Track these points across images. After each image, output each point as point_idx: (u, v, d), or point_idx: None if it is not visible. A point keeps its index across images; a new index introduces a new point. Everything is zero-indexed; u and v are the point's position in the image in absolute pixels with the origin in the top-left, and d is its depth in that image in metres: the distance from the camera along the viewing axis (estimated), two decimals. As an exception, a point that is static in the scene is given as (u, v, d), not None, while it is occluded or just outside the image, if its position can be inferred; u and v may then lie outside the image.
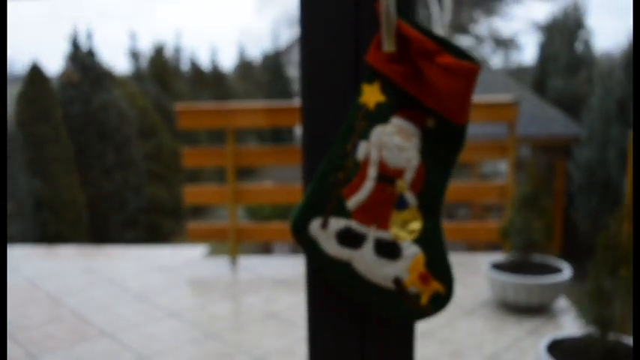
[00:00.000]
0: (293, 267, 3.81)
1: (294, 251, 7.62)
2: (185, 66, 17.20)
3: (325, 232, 0.80)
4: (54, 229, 9.20)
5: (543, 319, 2.82)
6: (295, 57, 20.40)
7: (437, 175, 0.79)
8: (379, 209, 0.79)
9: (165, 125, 12.92)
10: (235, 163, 3.70)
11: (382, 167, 0.78)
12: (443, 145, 0.78)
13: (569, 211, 8.37)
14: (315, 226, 0.81)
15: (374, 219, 0.79)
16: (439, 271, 0.80)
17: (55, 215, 9.17)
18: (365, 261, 0.80)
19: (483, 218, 8.76)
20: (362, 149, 0.78)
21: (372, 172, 0.78)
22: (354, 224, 0.79)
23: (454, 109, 0.75)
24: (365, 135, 0.78)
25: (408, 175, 0.78)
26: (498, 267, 3.04)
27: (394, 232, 0.80)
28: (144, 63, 14.63)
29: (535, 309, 2.90)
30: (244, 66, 21.25)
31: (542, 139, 8.59)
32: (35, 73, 8.86)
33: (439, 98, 0.75)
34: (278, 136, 16.86)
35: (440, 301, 0.81)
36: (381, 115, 0.77)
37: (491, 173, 11.01)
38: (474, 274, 3.41)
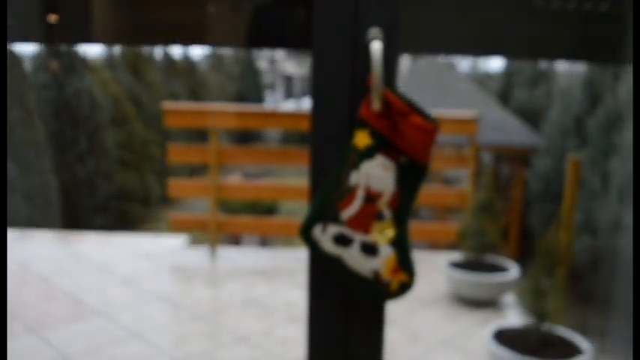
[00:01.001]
0: (268, 258, 4.12)
1: (262, 244, 7.91)
2: (158, 55, 17.28)
3: (324, 235, 1.12)
4: (25, 213, 9.33)
5: (492, 311, 3.18)
6: (267, 51, 20.55)
7: (406, 197, 1.12)
8: (364, 220, 1.11)
9: (137, 114, 13.05)
10: (217, 161, 3.99)
11: (367, 191, 1.10)
12: (411, 176, 1.11)
13: (526, 216, 8.84)
14: (317, 230, 1.13)
15: (360, 227, 1.11)
16: (405, 266, 1.13)
17: (27, 200, 9.29)
18: (352, 257, 1.12)
19: (444, 220, 9.16)
20: (353, 177, 1.10)
21: (360, 194, 1.10)
22: (345, 230, 1.11)
23: (419, 153, 1.07)
24: (356, 167, 1.10)
25: (386, 197, 1.10)
26: (455, 265, 3.40)
27: (374, 237, 1.12)
28: (117, 50, 14.72)
29: (485, 303, 3.26)
30: (216, 57, 21.40)
31: (504, 147, 9.03)
32: (8, 55, 8.93)
33: (409, 144, 1.07)
34: (247, 135, 17.12)
35: (405, 288, 1.13)
36: (368, 153, 1.10)
37: (454, 178, 11.46)
38: (434, 271, 3.76)
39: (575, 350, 2.38)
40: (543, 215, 8.21)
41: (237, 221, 4.60)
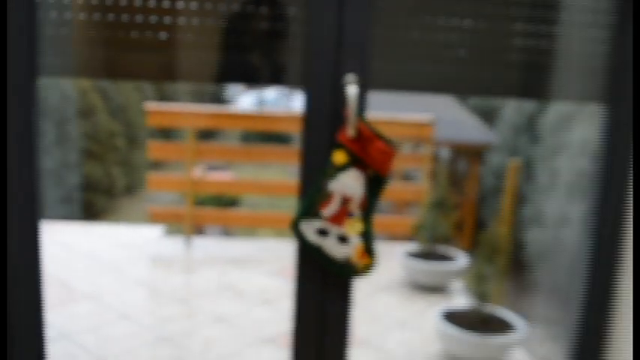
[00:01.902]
0: (238, 247, 4.45)
1: (225, 234, 8.21)
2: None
3: (310, 227, 1.48)
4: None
5: (442, 295, 3.58)
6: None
7: (371, 200, 1.48)
8: (339, 217, 1.47)
9: (103, 105, 13.14)
10: (194, 158, 4.30)
11: (343, 195, 1.46)
12: (375, 185, 1.47)
13: (480, 209, 9.33)
14: (304, 224, 1.48)
15: (336, 222, 1.47)
16: (370, 252, 1.49)
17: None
18: (330, 245, 1.48)
19: (402, 214, 9.59)
20: (332, 185, 1.45)
21: (337, 198, 1.46)
22: (325, 225, 1.47)
23: (382, 168, 1.44)
24: (334, 177, 1.45)
25: (356, 200, 1.46)
26: (411, 255, 3.78)
27: (347, 230, 1.48)
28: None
29: (437, 288, 3.66)
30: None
31: (460, 143, 9.50)
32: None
33: (374, 162, 1.43)
34: (208, 133, 17.32)
35: (369, 269, 1.50)
36: (343, 168, 1.45)
37: (412, 175, 11.92)
38: (392, 260, 4.13)
39: (511, 328, 2.78)
40: (495, 208, 8.71)
41: (209, 213, 4.90)
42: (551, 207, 8.00)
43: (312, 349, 1.64)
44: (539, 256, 7.78)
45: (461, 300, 3.49)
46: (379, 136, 1.41)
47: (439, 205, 3.79)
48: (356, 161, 1.45)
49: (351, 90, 1.42)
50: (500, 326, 2.78)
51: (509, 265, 3.15)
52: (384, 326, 3.15)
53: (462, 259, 3.75)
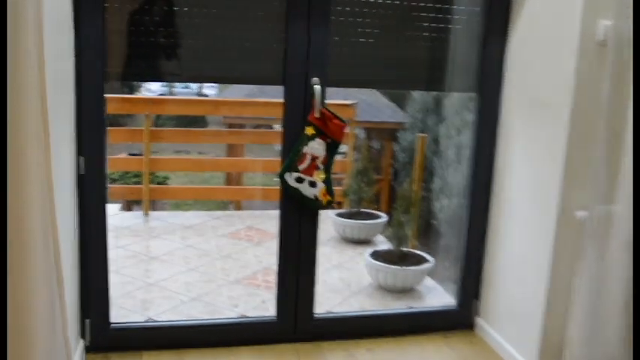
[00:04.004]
0: (188, 218, 5.14)
1: (153, 208, 8.80)
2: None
3: (291, 177, 2.29)
4: None
5: (368, 246, 4.43)
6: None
7: (330, 158, 2.31)
8: (310, 170, 2.29)
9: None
10: (150, 141, 4.95)
11: (312, 155, 2.28)
12: (332, 148, 2.29)
13: (394, 181, 10.35)
14: (287, 175, 2.29)
15: (308, 173, 2.29)
16: (330, 192, 2.32)
17: None
18: (304, 188, 2.30)
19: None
20: (305, 149, 2.26)
21: (308, 157, 2.27)
22: (301, 175, 2.28)
23: (337, 137, 2.26)
24: (306, 144, 2.26)
25: (320, 158, 2.29)
26: (340, 215, 4.62)
27: (315, 178, 2.30)
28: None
29: (364, 241, 4.51)
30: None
31: (376, 124, 10.45)
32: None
33: (332, 133, 2.26)
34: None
35: (330, 203, 2.34)
36: (313, 137, 2.26)
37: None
38: (324, 221, 4.94)
39: (424, 261, 3.66)
40: (408, 180, 9.73)
41: (161, 189, 5.56)
42: (456, 178, 9.09)
43: (293, 257, 2.45)
44: (447, 222, 8.83)
45: (383, 247, 4.35)
46: (335, 116, 2.23)
47: (362, 174, 4.65)
48: (320, 133, 2.26)
49: (316, 86, 2.23)
50: (414, 260, 3.65)
51: (419, 219, 4.04)
52: (324, 268, 3.95)
53: (382, 218, 4.63)
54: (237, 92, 9.33)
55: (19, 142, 1.58)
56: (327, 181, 2.31)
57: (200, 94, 13.42)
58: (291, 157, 2.29)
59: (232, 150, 6.49)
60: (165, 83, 12.51)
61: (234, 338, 2.62)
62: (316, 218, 2.44)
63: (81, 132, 2.20)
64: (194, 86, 13.49)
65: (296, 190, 2.30)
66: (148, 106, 5.16)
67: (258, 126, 7.36)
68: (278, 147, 8.02)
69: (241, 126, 6.58)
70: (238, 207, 5.98)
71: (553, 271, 2.34)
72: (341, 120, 2.26)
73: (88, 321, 2.42)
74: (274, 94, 6.66)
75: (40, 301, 1.71)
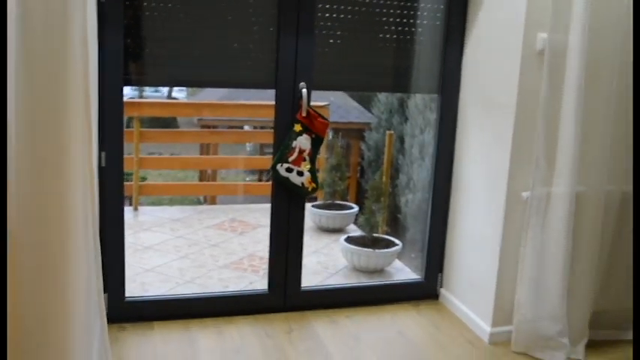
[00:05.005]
0: (178, 212, 5.49)
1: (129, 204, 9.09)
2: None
3: (282, 168, 2.70)
4: None
5: (341, 234, 4.84)
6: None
7: (315, 151, 2.73)
8: (298, 161, 2.71)
9: None
10: (139, 141, 5.29)
11: (299, 149, 2.69)
12: (317, 142, 2.71)
13: (362, 177, 10.79)
14: (279, 166, 2.70)
15: (296, 164, 2.71)
16: (314, 180, 2.74)
17: None
18: (293, 177, 2.72)
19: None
20: (293, 143, 2.67)
21: (297, 150, 2.69)
22: (290, 165, 2.70)
23: (321, 133, 2.68)
24: (295, 139, 2.68)
25: (307, 151, 2.71)
26: (316, 206, 5.02)
27: (302, 168, 2.72)
28: None
29: (337, 230, 4.93)
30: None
31: (344, 124, 10.89)
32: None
33: (317, 129, 2.68)
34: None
35: (314, 190, 2.76)
36: (299, 133, 2.68)
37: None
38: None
39: (393, 244, 4.09)
40: (377, 173, 10.17)
41: (153, 185, 5.89)
42: (420, 175, 9.58)
43: (283, 238, 2.85)
44: (412, 216, 9.31)
45: (356, 234, 4.77)
46: (320, 115, 2.64)
47: (335, 169, 5.06)
48: (307, 130, 2.66)
49: (303, 90, 2.63)
50: (384, 244, 4.07)
51: (388, 210, 4.46)
52: (304, 254, 4.35)
53: (354, 209, 5.05)
54: (210, 95, 9.67)
55: (67, 137, 1.96)
56: (312, 171, 2.73)
57: (170, 98, 13.75)
58: (282, 150, 2.69)
59: (206, 150, 6.86)
60: (135, 87, 12.76)
61: (232, 309, 3.00)
62: (303, 204, 2.86)
63: (103, 130, 2.55)
64: (164, 90, 13.84)
65: (286, 178, 2.71)
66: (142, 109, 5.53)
67: (230, 127, 7.74)
68: (250, 146, 8.44)
69: (215, 127, 6.97)
70: (212, 202, 6.35)
71: (503, 244, 2.79)
72: (325, 119, 2.67)
73: (105, 295, 2.77)
74: (247, 97, 7.08)
75: (82, 271, 2.08)
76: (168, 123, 11.29)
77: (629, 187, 2.79)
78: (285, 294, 3.05)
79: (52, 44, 1.90)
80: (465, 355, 2.76)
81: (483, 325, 2.91)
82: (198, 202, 6.63)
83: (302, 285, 3.10)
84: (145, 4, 2.53)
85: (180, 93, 15.43)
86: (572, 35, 2.55)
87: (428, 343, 2.86)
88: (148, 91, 13.27)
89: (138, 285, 3.65)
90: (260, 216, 5.28)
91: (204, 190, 5.99)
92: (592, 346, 2.85)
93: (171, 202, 6.50)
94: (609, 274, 2.87)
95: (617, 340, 2.94)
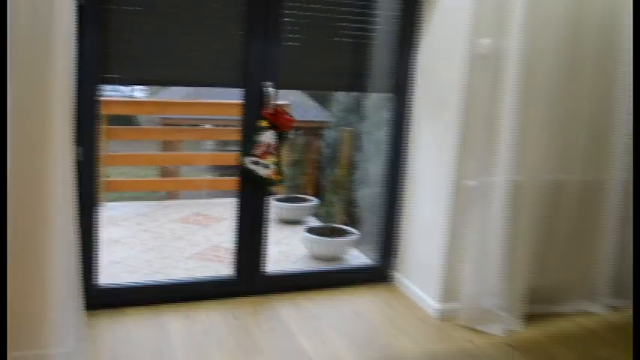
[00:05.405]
0: (143, 207, 5.64)
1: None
2: None
3: (249, 160, 2.94)
4: None
5: (302, 226, 5.08)
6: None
7: (279, 145, 2.98)
8: (264, 154, 2.95)
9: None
10: (107, 138, 5.42)
11: (266, 143, 2.93)
12: (282, 137, 2.95)
13: (320, 173, 11.06)
14: (246, 159, 2.94)
15: (262, 157, 2.95)
16: (279, 172, 2.98)
17: None
18: (259, 169, 2.97)
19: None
20: (260, 138, 2.91)
21: (263, 144, 2.93)
22: (257, 159, 2.93)
23: (286, 128, 2.94)
24: (261, 134, 2.91)
25: (272, 146, 2.96)
26: (278, 200, 5.26)
27: (267, 161, 2.97)
28: None
29: (298, 221, 5.17)
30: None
31: (303, 123, 11.15)
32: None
33: (282, 125, 2.94)
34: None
35: (280, 181, 3.01)
36: (267, 129, 2.92)
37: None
38: (263, 208, 5.57)
39: (351, 233, 4.35)
40: (336, 166, 10.45)
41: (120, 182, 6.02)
42: (375, 170, 9.92)
43: (248, 225, 3.08)
44: (368, 210, 9.61)
45: (315, 224, 5.02)
46: (284, 112, 2.87)
47: (297, 164, 5.31)
48: (273, 125, 2.90)
49: (270, 89, 2.87)
50: (342, 233, 4.34)
51: (345, 202, 4.74)
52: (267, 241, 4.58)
53: (313, 201, 5.31)
54: (172, 95, 9.79)
55: (49, 133, 2.16)
56: (278, 164, 2.96)
57: (130, 97, 13.79)
58: (249, 144, 2.92)
59: (167, 147, 7.01)
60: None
61: (200, 294, 3.21)
62: (267, 195, 3.12)
63: (80, 126, 2.73)
64: (125, 89, 13.90)
65: (252, 171, 2.94)
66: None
67: (191, 125, 7.92)
68: (210, 144, 8.61)
69: (179, 125, 7.14)
70: (175, 197, 6.51)
71: (449, 227, 3.08)
72: (290, 115, 2.92)
73: (80, 282, 2.95)
74: (210, 96, 7.27)
75: (62, 254, 2.30)
76: (129, 122, 11.36)
77: (562, 176, 3.12)
78: (250, 279, 3.28)
79: (37, 47, 2.11)
80: (416, 330, 3.05)
81: (432, 303, 3.20)
82: (159, 198, 6.78)
83: (266, 271, 3.34)
84: (123, 7, 2.73)
85: (140, 93, 15.49)
86: (511, 40, 2.86)
87: (382, 321, 3.14)
88: (109, 90, 13.29)
89: (106, 276, 3.80)
90: (223, 209, 5.48)
91: (172, 186, 6.15)
92: (528, 318, 3.19)
93: (133, 199, 6.64)
94: (544, 254, 3.20)
95: (551, 312, 3.30)
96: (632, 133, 3.17)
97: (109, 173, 7.03)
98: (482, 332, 3.04)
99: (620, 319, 3.32)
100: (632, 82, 3.10)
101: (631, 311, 3.41)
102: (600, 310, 3.37)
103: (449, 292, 3.16)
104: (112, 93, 13.62)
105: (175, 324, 2.96)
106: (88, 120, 2.77)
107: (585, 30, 3.03)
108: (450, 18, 3.08)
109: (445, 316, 3.17)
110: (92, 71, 2.70)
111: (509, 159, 2.92)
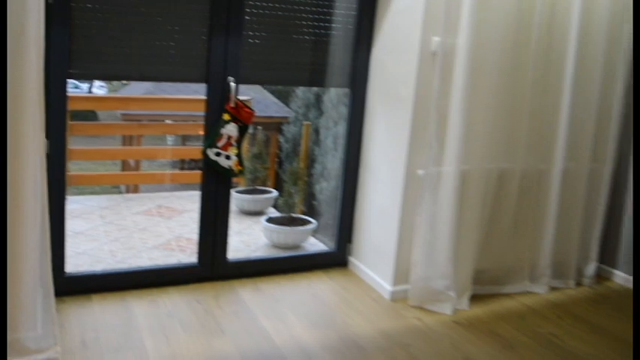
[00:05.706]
0: (106, 200, 5.71)
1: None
2: None
3: (211, 152, 3.08)
4: None
5: (262, 215, 5.23)
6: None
7: (241, 137, 3.14)
8: (226, 146, 3.11)
9: None
10: (70, 133, 5.46)
11: (228, 135, 3.08)
12: (243, 130, 3.11)
13: (280, 167, 11.21)
14: (209, 150, 3.09)
15: (225, 149, 3.11)
16: (241, 164, 3.14)
17: None
18: (221, 161, 3.12)
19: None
20: (222, 130, 3.06)
21: (225, 137, 3.08)
22: (219, 150, 3.08)
23: (247, 121, 3.09)
24: (223, 127, 3.07)
25: (234, 138, 3.12)
26: (239, 192, 5.39)
27: (230, 152, 3.12)
28: None
29: (258, 213, 5.31)
30: None
31: (264, 118, 11.27)
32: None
33: (243, 118, 3.09)
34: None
35: (241, 172, 3.19)
36: (228, 122, 3.07)
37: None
38: (224, 200, 5.70)
39: (309, 223, 4.52)
40: (290, 166, 10.61)
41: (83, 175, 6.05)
42: (333, 164, 10.11)
43: (211, 215, 3.22)
44: (326, 202, 9.80)
45: (275, 215, 5.18)
46: (246, 105, 3.03)
47: (257, 157, 5.45)
48: (235, 118, 3.05)
49: (232, 84, 3.01)
50: (301, 223, 4.50)
51: (304, 193, 4.91)
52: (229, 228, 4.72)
53: (273, 193, 5.46)
54: (135, 91, 9.80)
55: (21, 126, 2.28)
56: (239, 155, 3.11)
57: (89, 93, 13.73)
58: (211, 136, 3.06)
59: (128, 142, 7.09)
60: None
61: (164, 280, 3.34)
62: (229, 185, 3.26)
63: (48, 121, 2.83)
64: (84, 86, 13.85)
65: (215, 162, 3.08)
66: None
67: (152, 120, 7.99)
68: (171, 139, 8.70)
69: (139, 120, 7.22)
70: (135, 191, 6.60)
71: (402, 215, 3.28)
72: (250, 109, 3.07)
73: (49, 268, 3.04)
74: (171, 92, 7.34)
75: (32, 241, 2.42)
76: (88, 117, 11.33)
77: (505, 165, 3.35)
78: (213, 265, 3.42)
79: (10, 44, 2.21)
80: (370, 310, 3.24)
81: (385, 285, 3.40)
82: (119, 192, 6.85)
83: (228, 258, 3.49)
84: (88, 5, 2.83)
85: (100, 90, 15.37)
86: (460, 38, 3.06)
87: (338, 303, 3.32)
88: (69, 86, 13.20)
89: (72, 267, 3.89)
90: (185, 202, 5.60)
91: (134, 180, 6.23)
92: (475, 298, 3.42)
93: (93, 193, 6.70)
94: (489, 239, 3.42)
95: (495, 293, 3.54)
96: (632, 134, 3.39)
97: (69, 168, 7.06)
98: (431, 311, 3.25)
99: (559, 298, 3.58)
100: (572, 74, 3.34)
101: (570, 291, 3.67)
102: (541, 291, 3.63)
103: (401, 275, 3.36)
104: (71, 90, 13.52)
105: (140, 308, 3.08)
106: (55, 114, 2.87)
107: (528, 28, 3.25)
108: (403, 17, 3.27)
109: (397, 298, 3.37)
110: (60, 67, 2.81)
111: (458, 149, 3.13)
